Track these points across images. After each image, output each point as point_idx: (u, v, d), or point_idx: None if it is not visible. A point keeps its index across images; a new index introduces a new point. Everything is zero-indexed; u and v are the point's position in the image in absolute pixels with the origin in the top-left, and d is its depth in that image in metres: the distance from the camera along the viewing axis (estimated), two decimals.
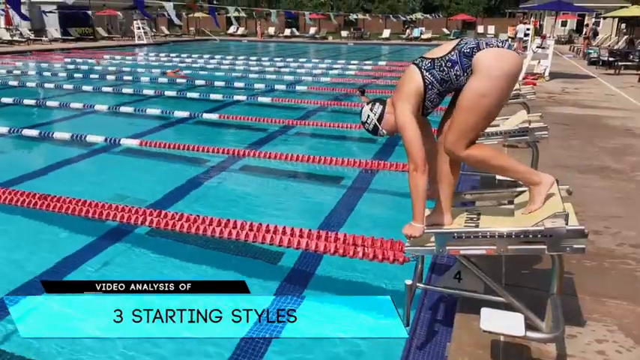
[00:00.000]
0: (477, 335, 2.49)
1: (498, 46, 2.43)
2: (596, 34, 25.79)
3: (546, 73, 13.52)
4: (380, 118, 2.66)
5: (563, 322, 2.18)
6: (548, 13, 29.41)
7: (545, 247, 2.19)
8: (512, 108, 7.14)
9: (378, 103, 2.68)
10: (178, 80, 13.52)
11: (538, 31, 24.58)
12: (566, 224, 2.13)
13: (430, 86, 2.52)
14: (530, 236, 2.21)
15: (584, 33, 26.69)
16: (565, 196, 2.52)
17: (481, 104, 2.42)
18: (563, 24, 33.74)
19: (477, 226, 2.49)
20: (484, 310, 2.16)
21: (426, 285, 2.77)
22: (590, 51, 18.91)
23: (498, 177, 4.36)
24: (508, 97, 2.55)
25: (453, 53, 2.48)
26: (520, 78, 12.82)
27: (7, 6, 25.59)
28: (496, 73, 2.38)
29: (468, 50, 2.44)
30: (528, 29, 22.47)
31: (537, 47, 13.76)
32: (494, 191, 2.99)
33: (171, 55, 21.64)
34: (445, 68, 2.48)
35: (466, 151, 2.52)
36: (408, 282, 2.58)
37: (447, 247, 2.37)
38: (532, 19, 29.80)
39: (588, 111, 9.11)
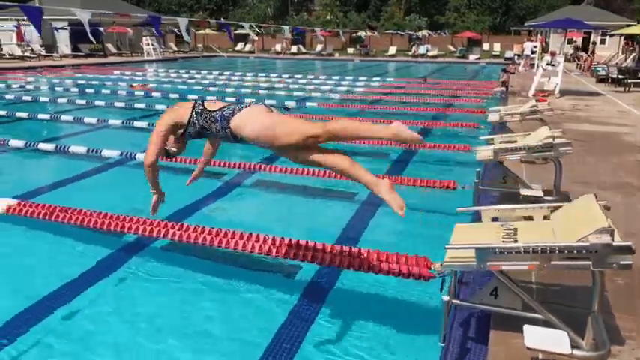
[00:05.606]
0: (513, 352, 2.44)
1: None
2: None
3: (556, 90, 13.53)
4: None
5: (608, 341, 2.13)
6: (553, 30, 29.57)
7: (589, 262, 2.15)
8: (529, 124, 7.15)
9: None
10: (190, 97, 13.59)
11: (544, 49, 24.74)
12: (612, 240, 2.10)
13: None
14: (575, 252, 2.17)
15: (578, 50, 28.20)
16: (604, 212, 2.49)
17: None
18: (569, 42, 33.91)
19: (515, 242, 2.46)
20: (527, 328, 2.12)
21: (462, 301, 2.72)
22: (598, 68, 18.96)
23: (522, 193, 4.34)
24: None
25: None
26: (530, 94, 12.85)
27: (21, 22, 26.10)
28: None
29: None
30: (535, 47, 22.64)
31: (547, 64, 13.77)
32: (528, 206, 2.96)
33: (181, 71, 21.80)
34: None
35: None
36: (446, 298, 2.54)
37: (488, 263, 2.33)
38: (539, 36, 29.98)
39: (602, 128, 9.08)
